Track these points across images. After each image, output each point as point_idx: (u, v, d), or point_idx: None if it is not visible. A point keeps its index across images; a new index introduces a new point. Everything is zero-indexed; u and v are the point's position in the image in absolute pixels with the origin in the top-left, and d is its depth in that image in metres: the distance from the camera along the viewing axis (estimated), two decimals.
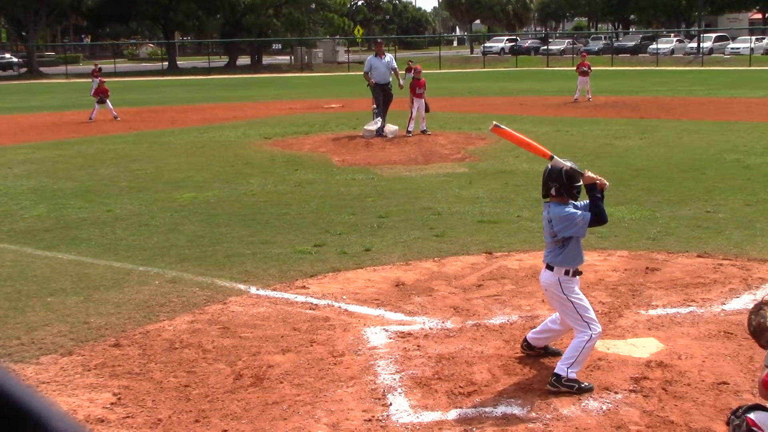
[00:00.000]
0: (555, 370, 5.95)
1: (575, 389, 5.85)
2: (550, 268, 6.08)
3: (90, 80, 30.67)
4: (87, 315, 7.84)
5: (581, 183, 5.98)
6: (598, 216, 5.91)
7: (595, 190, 5.93)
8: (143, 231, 11.49)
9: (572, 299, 6.01)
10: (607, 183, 6.02)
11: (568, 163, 6.03)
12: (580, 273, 6.13)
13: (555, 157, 6.12)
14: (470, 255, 9.83)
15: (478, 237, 10.69)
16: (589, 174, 5.96)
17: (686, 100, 32.46)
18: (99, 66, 33.65)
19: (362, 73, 23.12)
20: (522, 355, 6.60)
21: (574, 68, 35.08)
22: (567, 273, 6.03)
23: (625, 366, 6.34)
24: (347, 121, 26.02)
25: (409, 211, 12.38)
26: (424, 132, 22.05)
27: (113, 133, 24.69)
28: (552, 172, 5.99)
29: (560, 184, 5.94)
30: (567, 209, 5.93)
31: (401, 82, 22.78)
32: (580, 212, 5.92)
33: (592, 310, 6.14)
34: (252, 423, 5.56)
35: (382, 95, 22.16)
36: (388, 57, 22.68)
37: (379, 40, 26.85)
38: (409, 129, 22.09)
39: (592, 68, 32.79)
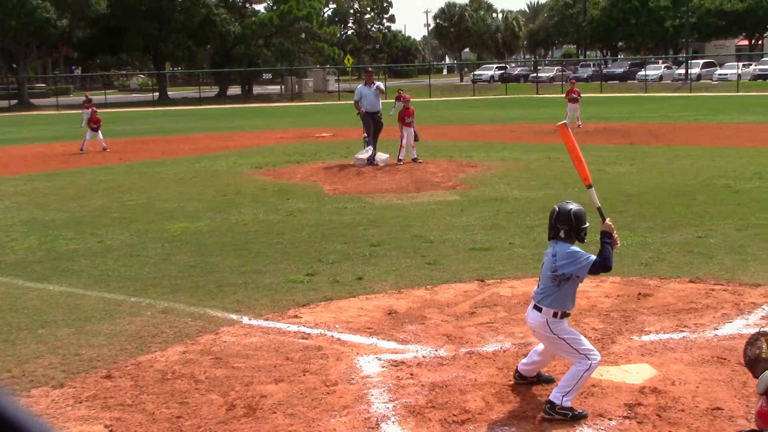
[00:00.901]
0: (549, 398, 5.93)
1: (569, 417, 5.83)
2: (538, 309, 6.04)
3: (80, 111, 30.66)
4: (78, 347, 7.80)
5: (587, 225, 5.99)
6: (604, 260, 5.86)
7: (608, 237, 5.93)
8: (135, 262, 11.46)
9: (563, 337, 5.99)
10: (619, 243, 6.07)
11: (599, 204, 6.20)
12: (567, 315, 6.11)
13: (593, 188, 6.20)
14: (462, 282, 9.82)
15: (471, 264, 10.69)
16: (610, 223, 6.00)
17: (675, 126, 32.62)
18: (89, 97, 33.72)
19: (352, 101, 23.23)
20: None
21: (564, 95, 35.26)
22: (555, 315, 5.99)
23: (619, 392, 6.33)
24: (338, 150, 26.07)
25: (400, 240, 12.38)
26: (415, 160, 22.11)
27: (104, 164, 24.69)
28: (560, 214, 5.98)
29: (569, 227, 5.95)
30: (574, 247, 5.94)
31: (389, 113, 22.89)
32: (586, 254, 5.91)
33: (586, 340, 6.13)
34: None
35: (372, 123, 22.24)
36: (376, 84, 22.77)
37: (369, 69, 26.99)
38: (400, 157, 22.15)
39: (581, 95, 32.98)
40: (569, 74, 76.27)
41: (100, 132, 28.84)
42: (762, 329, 5.57)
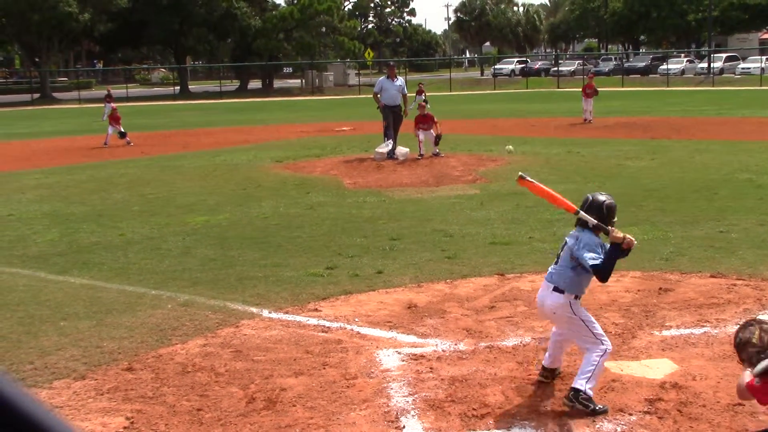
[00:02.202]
0: (573, 385, 5.94)
1: (590, 410, 5.83)
2: (559, 291, 6.07)
3: (102, 105, 30.83)
4: (100, 339, 7.85)
5: (616, 220, 6.03)
6: (604, 266, 5.85)
7: (617, 248, 5.86)
8: (155, 255, 11.51)
9: (582, 317, 6.07)
10: (635, 242, 5.95)
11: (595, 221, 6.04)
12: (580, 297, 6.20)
13: (581, 212, 6.10)
14: (482, 277, 9.81)
15: (490, 259, 10.67)
16: (615, 234, 5.84)
17: (697, 120, 32.41)
18: (110, 91, 33.96)
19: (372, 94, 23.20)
20: (535, 376, 6.57)
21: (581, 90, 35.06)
22: (577, 297, 6.11)
23: (640, 387, 6.31)
24: (358, 144, 26.08)
25: (420, 233, 12.37)
26: (435, 154, 22.04)
27: (125, 158, 24.80)
28: (593, 203, 6.04)
29: (599, 218, 5.97)
30: (599, 240, 5.98)
31: (408, 108, 22.83)
32: (600, 256, 5.90)
33: (599, 325, 6.18)
34: None
35: (392, 117, 22.18)
36: (400, 81, 22.73)
37: (391, 63, 26.90)
38: (422, 152, 22.06)
39: (598, 90, 32.35)
40: (590, 68, 75.75)
41: (120, 126, 28.90)
42: (758, 316, 5.55)
